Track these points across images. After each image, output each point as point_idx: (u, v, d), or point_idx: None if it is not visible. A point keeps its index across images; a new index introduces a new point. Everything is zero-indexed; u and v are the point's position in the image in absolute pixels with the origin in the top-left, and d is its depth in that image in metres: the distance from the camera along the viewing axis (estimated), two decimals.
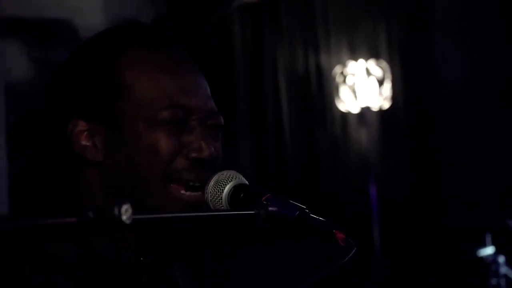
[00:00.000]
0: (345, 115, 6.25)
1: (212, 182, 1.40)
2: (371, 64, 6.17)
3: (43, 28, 5.44)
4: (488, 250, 5.08)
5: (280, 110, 6.25)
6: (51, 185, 1.49)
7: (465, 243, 5.38)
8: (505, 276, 5.05)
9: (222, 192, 1.39)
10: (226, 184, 1.40)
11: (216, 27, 6.23)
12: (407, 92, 6.33)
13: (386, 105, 6.18)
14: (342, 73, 6.18)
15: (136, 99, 1.41)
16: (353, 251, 1.28)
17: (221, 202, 1.39)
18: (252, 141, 6.24)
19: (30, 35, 5.39)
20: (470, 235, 5.31)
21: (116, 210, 1.02)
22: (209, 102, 1.46)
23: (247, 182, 1.41)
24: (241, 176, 1.42)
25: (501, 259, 5.05)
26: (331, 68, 6.25)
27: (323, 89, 6.30)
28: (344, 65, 6.20)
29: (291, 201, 1.35)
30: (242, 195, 1.38)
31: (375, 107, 6.16)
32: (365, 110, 6.14)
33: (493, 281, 5.04)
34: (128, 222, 1.02)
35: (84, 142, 1.42)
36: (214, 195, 1.40)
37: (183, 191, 1.41)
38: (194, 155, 1.41)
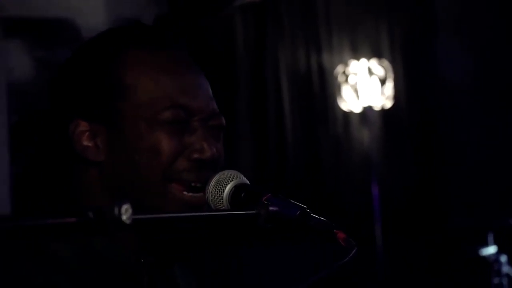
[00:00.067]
0: (347, 115, 6.25)
1: (213, 182, 1.41)
2: (373, 63, 6.17)
3: (45, 28, 5.44)
4: (490, 250, 5.08)
5: (282, 109, 6.25)
6: (53, 185, 1.49)
7: (467, 242, 5.39)
8: (507, 275, 5.05)
9: (223, 191, 1.40)
10: (227, 184, 1.40)
11: (218, 27, 6.23)
12: (409, 91, 6.33)
13: (388, 104, 6.17)
14: (344, 72, 6.18)
15: (137, 100, 1.41)
16: (354, 251, 1.28)
17: (222, 201, 1.39)
18: (254, 140, 6.24)
19: (32, 34, 5.40)
20: (472, 235, 5.31)
21: (116, 210, 1.02)
22: (211, 103, 1.46)
23: (248, 182, 1.41)
24: (242, 176, 1.42)
25: (503, 258, 5.05)
26: (333, 68, 6.25)
27: (325, 89, 6.30)
28: (346, 64, 6.20)
29: (291, 201, 1.35)
30: (243, 194, 1.39)
31: (377, 107, 6.16)
32: (367, 110, 6.14)
33: (496, 280, 5.04)
34: (128, 222, 1.02)
35: (85, 143, 1.42)
36: (215, 194, 1.40)
37: (184, 192, 1.41)
38: (196, 156, 1.41)
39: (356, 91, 6.12)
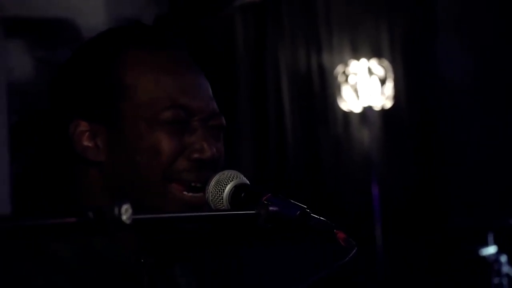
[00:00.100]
0: (347, 115, 6.25)
1: (213, 182, 1.40)
2: (373, 63, 6.16)
3: (45, 28, 5.44)
4: (490, 250, 5.08)
5: (282, 109, 6.25)
6: (53, 185, 1.49)
7: (467, 242, 5.38)
8: (507, 275, 5.05)
9: (223, 191, 1.39)
10: (227, 184, 1.40)
11: (218, 27, 6.23)
12: (409, 91, 6.33)
13: (388, 104, 6.17)
14: (344, 72, 6.17)
15: (138, 100, 1.41)
16: (354, 251, 1.28)
17: (222, 201, 1.39)
18: (254, 140, 6.24)
19: (33, 34, 5.40)
20: (472, 235, 5.31)
21: (116, 210, 1.01)
22: (211, 103, 1.46)
23: (248, 182, 1.41)
24: (242, 176, 1.42)
25: (503, 258, 5.05)
26: (333, 68, 6.25)
27: (325, 89, 6.30)
28: (346, 64, 6.20)
29: (291, 201, 1.34)
30: (243, 194, 1.38)
31: (377, 107, 6.16)
32: (367, 110, 6.13)
33: (496, 280, 5.04)
34: (128, 222, 1.02)
35: (86, 143, 1.42)
36: (215, 194, 1.40)
37: (184, 192, 1.41)
38: (196, 156, 1.41)
39: (356, 91, 6.12)
